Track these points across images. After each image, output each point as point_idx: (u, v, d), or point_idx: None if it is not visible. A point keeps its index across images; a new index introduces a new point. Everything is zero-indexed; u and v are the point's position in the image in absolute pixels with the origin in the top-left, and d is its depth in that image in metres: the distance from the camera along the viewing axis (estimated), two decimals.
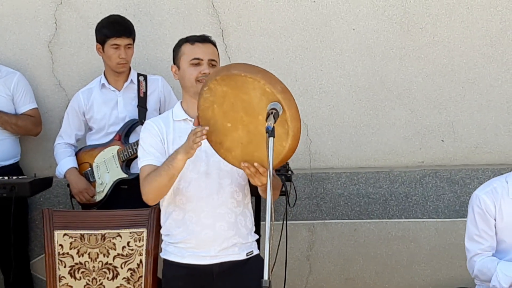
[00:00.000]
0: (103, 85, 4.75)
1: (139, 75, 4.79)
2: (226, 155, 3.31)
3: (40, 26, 5.23)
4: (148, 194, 3.48)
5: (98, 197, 4.70)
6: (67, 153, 4.79)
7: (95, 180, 4.71)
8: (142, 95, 4.73)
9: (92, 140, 4.80)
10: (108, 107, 4.73)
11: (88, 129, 4.83)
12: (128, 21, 4.77)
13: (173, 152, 3.41)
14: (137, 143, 4.51)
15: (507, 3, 5.21)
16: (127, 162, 4.65)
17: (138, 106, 4.71)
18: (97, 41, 4.70)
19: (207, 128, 3.25)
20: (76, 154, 4.80)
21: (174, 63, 3.63)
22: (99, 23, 4.73)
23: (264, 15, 5.22)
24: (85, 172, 4.74)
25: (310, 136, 5.27)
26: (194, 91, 3.49)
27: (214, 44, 3.62)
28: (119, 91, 4.74)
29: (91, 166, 4.73)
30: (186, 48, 3.57)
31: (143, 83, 4.75)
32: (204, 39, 3.59)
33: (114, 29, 4.65)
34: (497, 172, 4.99)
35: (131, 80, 4.75)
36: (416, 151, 5.32)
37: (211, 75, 3.23)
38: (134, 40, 4.73)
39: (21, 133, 5.02)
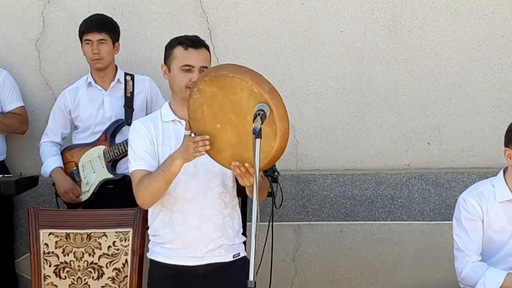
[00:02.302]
0: (89, 83, 4.74)
1: (126, 74, 4.78)
2: (216, 156, 3.31)
3: (27, 24, 5.21)
4: (143, 199, 3.47)
5: (84, 197, 4.69)
6: (52, 152, 4.78)
7: (80, 180, 4.70)
8: (129, 95, 4.72)
9: (78, 139, 4.78)
10: (94, 106, 4.72)
11: (74, 127, 4.82)
12: (106, 18, 4.76)
13: (168, 158, 3.39)
14: (123, 143, 4.51)
15: (494, 7, 5.23)
16: (113, 162, 4.64)
17: (125, 106, 4.70)
18: (80, 42, 4.73)
19: (207, 137, 3.25)
20: (62, 153, 4.79)
21: (165, 63, 3.61)
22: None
23: (252, 16, 5.23)
24: (71, 171, 4.73)
25: (297, 137, 5.27)
26: (182, 97, 3.48)
27: (207, 48, 3.58)
28: (105, 90, 4.73)
29: (76, 165, 4.72)
30: (179, 52, 3.53)
31: (130, 83, 4.75)
32: (197, 44, 3.54)
33: (85, 25, 4.68)
34: (483, 175, 5.01)
35: (118, 79, 4.75)
36: (402, 153, 5.34)
37: (200, 76, 3.23)
38: (113, 38, 4.70)
39: (7, 131, 5.01)
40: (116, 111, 4.71)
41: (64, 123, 4.80)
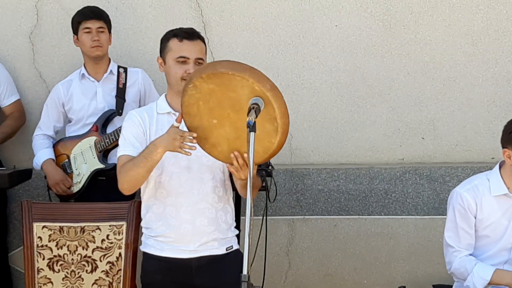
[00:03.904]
0: (82, 75, 4.73)
1: (119, 67, 4.77)
2: (211, 150, 3.31)
3: (21, 17, 5.19)
4: (123, 183, 3.48)
5: (76, 188, 4.67)
6: (44, 144, 4.76)
7: (72, 171, 4.69)
8: (121, 86, 4.72)
9: (70, 131, 4.78)
10: (87, 97, 4.72)
11: (68, 121, 4.81)
12: (100, 8, 4.77)
13: (151, 143, 3.40)
14: (114, 133, 4.51)
15: (489, 1, 5.23)
16: (104, 152, 4.63)
17: (116, 96, 4.70)
18: (73, 33, 4.71)
19: (195, 135, 3.25)
20: (54, 146, 4.78)
21: (161, 56, 3.61)
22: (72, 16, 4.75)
23: (247, 10, 5.22)
24: (63, 163, 4.72)
25: (291, 131, 5.20)
26: (178, 89, 3.47)
27: (202, 40, 3.59)
28: (98, 81, 4.73)
29: (68, 157, 4.71)
30: (174, 44, 3.55)
31: (123, 75, 4.74)
32: (192, 36, 3.55)
33: (83, 13, 4.68)
34: (477, 170, 5.01)
35: (111, 71, 4.74)
36: (396, 148, 5.34)
37: (196, 72, 3.21)
38: (108, 28, 4.71)
39: (10, 137, 4.98)
40: (109, 102, 4.70)
41: (57, 116, 4.79)
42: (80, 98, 4.71)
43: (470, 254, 3.85)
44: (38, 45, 5.22)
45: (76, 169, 4.67)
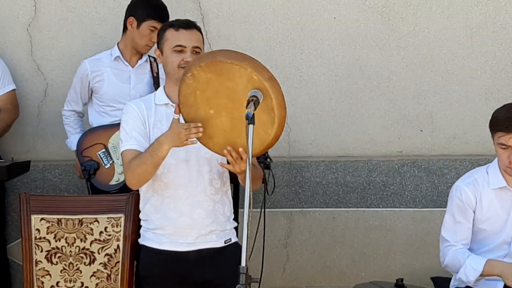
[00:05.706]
0: (117, 57, 4.66)
1: (149, 56, 4.74)
2: (207, 141, 3.30)
3: (19, 9, 5.18)
4: (131, 180, 3.49)
5: (121, 178, 4.57)
6: (76, 128, 4.74)
7: (113, 161, 4.58)
8: (155, 75, 4.70)
9: (96, 112, 4.70)
10: (119, 80, 4.65)
11: (91, 100, 4.72)
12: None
13: (156, 141, 3.40)
14: None
15: None
16: None
17: (154, 85, 4.66)
18: (134, 16, 4.59)
19: (200, 124, 3.25)
20: (87, 135, 4.65)
21: (158, 47, 3.61)
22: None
23: (245, 2, 5.21)
24: (99, 153, 4.62)
25: (289, 124, 5.26)
26: (176, 78, 3.48)
27: (199, 30, 3.60)
28: (132, 67, 4.68)
29: (105, 147, 4.62)
30: (170, 33, 3.56)
31: (155, 64, 4.72)
32: (189, 25, 3.57)
33: (159, 13, 4.58)
34: (475, 162, 5.02)
35: (145, 59, 4.70)
36: (394, 140, 5.34)
37: (195, 61, 3.22)
38: None
39: (6, 131, 4.97)
40: (139, 89, 4.63)
41: (84, 93, 4.70)
42: (111, 79, 4.64)
43: (469, 249, 3.85)
44: (36, 37, 5.20)
45: (118, 159, 4.57)
